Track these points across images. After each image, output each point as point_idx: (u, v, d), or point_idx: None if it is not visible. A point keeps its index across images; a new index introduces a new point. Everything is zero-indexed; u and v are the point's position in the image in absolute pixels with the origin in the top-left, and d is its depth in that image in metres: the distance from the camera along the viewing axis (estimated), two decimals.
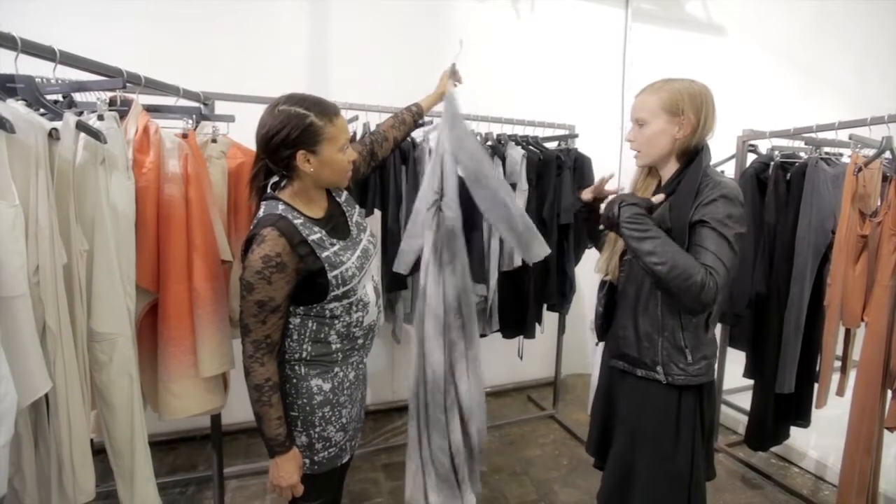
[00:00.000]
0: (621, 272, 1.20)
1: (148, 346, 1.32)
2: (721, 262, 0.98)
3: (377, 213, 2.08)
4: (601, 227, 1.12)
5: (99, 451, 1.12)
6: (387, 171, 1.97)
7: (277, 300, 0.99)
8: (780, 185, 1.93)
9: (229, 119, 1.65)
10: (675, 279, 0.96)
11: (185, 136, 1.39)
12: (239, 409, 1.65)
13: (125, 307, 1.09)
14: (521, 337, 2.39)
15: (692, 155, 1.11)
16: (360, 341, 1.14)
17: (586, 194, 1.24)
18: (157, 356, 1.31)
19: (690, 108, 1.08)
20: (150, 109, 1.37)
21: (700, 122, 1.08)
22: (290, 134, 0.98)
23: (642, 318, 1.13)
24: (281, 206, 1.03)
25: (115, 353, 1.07)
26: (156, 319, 1.31)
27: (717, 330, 2.24)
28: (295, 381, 1.08)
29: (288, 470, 1.05)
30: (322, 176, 1.05)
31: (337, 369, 1.11)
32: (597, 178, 1.25)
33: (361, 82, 2.38)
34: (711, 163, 2.52)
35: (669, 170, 1.14)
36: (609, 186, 1.24)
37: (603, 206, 1.12)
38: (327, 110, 1.02)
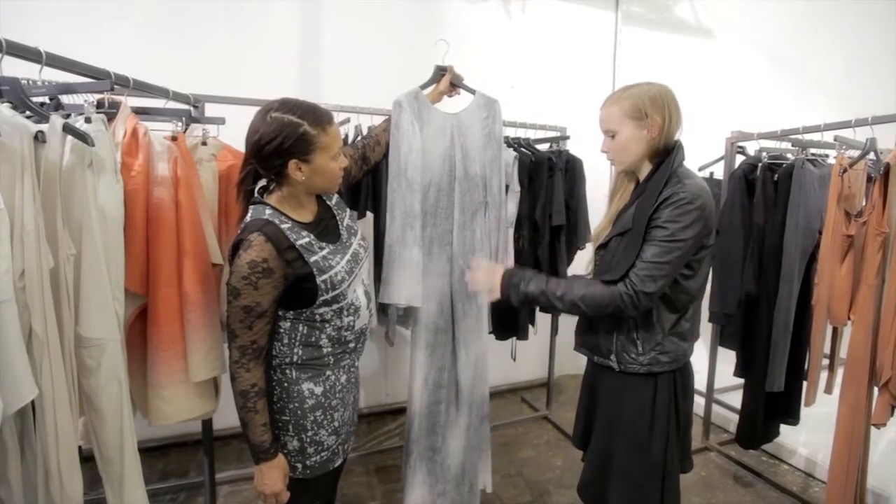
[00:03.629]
0: (597, 264, 1.24)
1: (137, 350, 1.30)
2: (650, 269, 1.06)
3: (369, 215, 2.07)
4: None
5: (87, 459, 1.10)
6: (379, 174, 1.96)
7: (264, 305, 0.98)
8: (767, 186, 1.95)
9: (219, 121, 1.64)
10: (595, 312, 1.13)
11: (174, 138, 1.37)
12: (231, 414, 1.60)
13: (114, 312, 1.08)
14: (514, 338, 2.39)
15: (664, 155, 1.14)
16: (352, 345, 1.14)
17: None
18: (147, 361, 1.30)
19: (653, 109, 1.12)
20: (139, 112, 1.36)
21: (665, 120, 1.12)
22: (283, 143, 0.97)
23: None
24: (268, 211, 1.02)
25: (104, 358, 1.05)
26: (145, 324, 1.29)
27: (708, 329, 2.28)
28: (286, 384, 1.07)
29: (272, 477, 1.04)
30: (313, 183, 1.05)
31: (329, 373, 1.11)
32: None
33: (353, 84, 2.38)
34: (702, 163, 2.58)
35: (644, 171, 1.18)
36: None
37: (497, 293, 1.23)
38: (321, 119, 1.01)
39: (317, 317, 1.06)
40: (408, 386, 1.64)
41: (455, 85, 1.63)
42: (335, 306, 1.06)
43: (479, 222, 1.65)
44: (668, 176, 1.10)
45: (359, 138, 2.01)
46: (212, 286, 1.39)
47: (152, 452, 2.23)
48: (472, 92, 1.65)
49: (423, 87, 1.59)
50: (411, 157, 1.49)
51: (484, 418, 1.73)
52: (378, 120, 1.91)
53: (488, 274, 1.24)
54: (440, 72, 1.60)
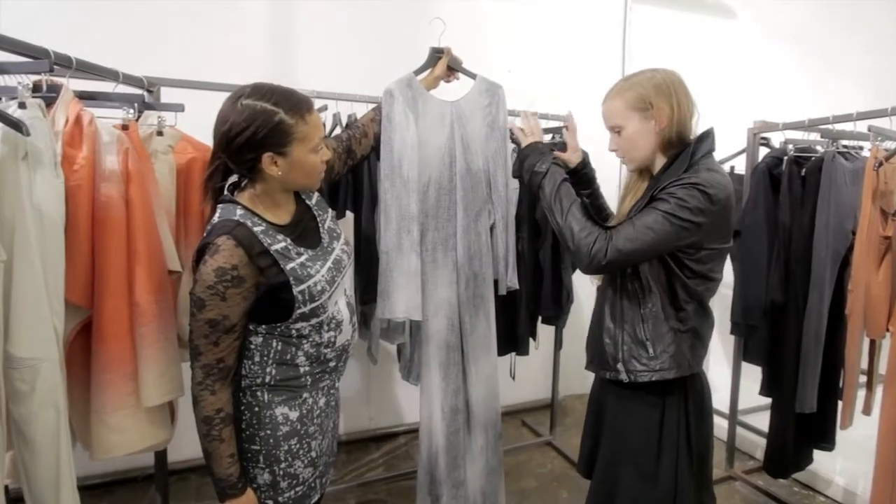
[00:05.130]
0: None
1: (79, 372, 1.27)
2: (636, 232, 1.08)
3: (349, 215, 2.06)
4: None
5: (15, 500, 1.07)
6: (360, 167, 1.95)
7: (232, 319, 0.98)
8: (794, 181, 1.97)
9: (178, 108, 1.62)
10: (563, 236, 1.17)
11: (125, 127, 1.36)
12: (188, 444, 1.59)
13: (51, 327, 1.05)
14: (513, 354, 2.39)
15: (679, 147, 1.16)
16: (333, 364, 1.14)
17: (570, 157, 1.43)
18: (91, 384, 1.27)
19: (658, 98, 1.14)
20: (84, 97, 1.34)
21: (673, 109, 1.14)
22: (256, 134, 0.97)
23: (608, 314, 1.23)
24: (239, 211, 1.02)
25: (38, 381, 1.02)
26: (89, 341, 1.27)
27: (730, 342, 2.29)
28: (257, 409, 1.06)
29: None
30: (290, 179, 1.05)
31: (305, 395, 1.10)
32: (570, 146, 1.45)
33: (332, 66, 2.36)
34: (722, 157, 2.59)
35: (658, 165, 1.21)
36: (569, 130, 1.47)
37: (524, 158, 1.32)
38: (299, 106, 1.01)
39: (293, 332, 1.05)
40: (422, 417, 1.65)
41: (453, 69, 1.63)
42: (314, 320, 1.06)
43: (484, 223, 1.67)
44: (687, 167, 1.12)
45: (337, 128, 2.00)
46: (168, 296, 1.37)
47: (95, 490, 2.18)
48: (473, 77, 1.66)
49: (417, 72, 1.59)
50: (406, 153, 1.50)
51: (498, 437, 1.76)
52: (360, 108, 1.89)
53: (532, 131, 1.40)
54: (436, 54, 1.60)
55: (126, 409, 1.29)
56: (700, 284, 1.15)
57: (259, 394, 1.06)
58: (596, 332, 1.27)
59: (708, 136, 1.16)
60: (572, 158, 1.42)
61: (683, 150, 1.15)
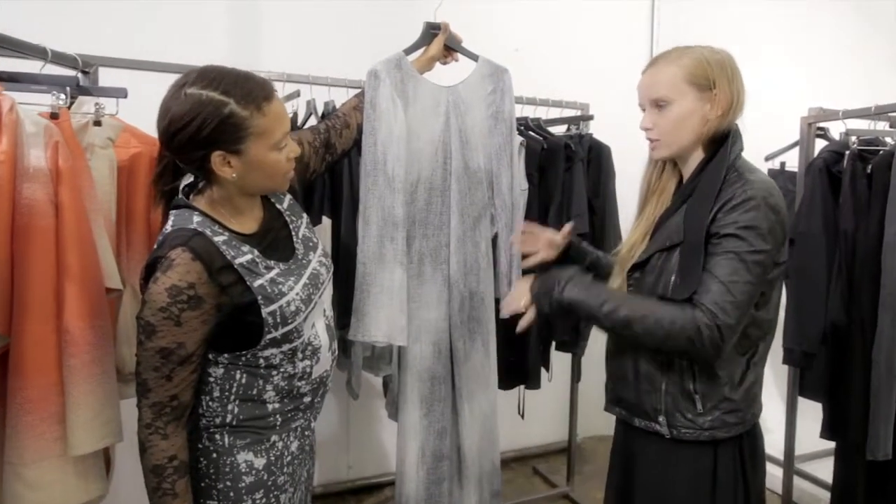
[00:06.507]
0: (630, 290, 1.25)
1: None
2: (731, 292, 1.04)
3: (326, 221, 2.06)
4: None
5: None
6: (339, 165, 1.96)
7: (189, 348, 0.98)
8: (858, 180, 1.98)
9: (119, 93, 1.62)
10: (654, 342, 1.10)
11: (54, 116, 1.37)
12: (128, 501, 1.60)
13: None
14: (522, 388, 2.39)
15: (720, 142, 1.16)
16: (308, 399, 1.14)
17: (548, 254, 1.41)
18: (6, 428, 1.25)
19: (722, 78, 1.14)
20: (3, 78, 1.35)
21: (734, 97, 1.14)
22: (202, 129, 0.98)
23: (644, 352, 1.19)
24: (197, 218, 1.03)
25: None
26: (4, 375, 1.25)
27: (783, 374, 2.27)
28: (215, 455, 1.07)
29: None
30: (249, 181, 1.06)
31: (274, 438, 1.11)
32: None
33: (305, 44, 2.38)
34: (769, 151, 2.60)
35: (693, 162, 1.19)
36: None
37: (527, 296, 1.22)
38: (254, 94, 1.01)
39: (261, 361, 1.05)
40: (396, 460, 1.65)
41: (451, 49, 1.66)
42: (286, 347, 1.07)
43: (484, 232, 1.69)
44: (726, 171, 1.12)
45: (312, 118, 2.01)
46: (105, 321, 1.36)
47: None
48: (475, 58, 1.69)
49: (408, 51, 1.62)
50: (391, 146, 1.52)
51: (496, 494, 1.75)
52: (339, 93, 1.90)
53: (519, 288, 1.27)
54: (431, 31, 1.63)
55: (49, 459, 1.27)
56: (770, 311, 1.16)
57: (218, 437, 1.06)
58: (622, 371, 1.24)
59: (739, 134, 1.17)
60: (550, 254, 1.41)
61: (718, 149, 1.15)
